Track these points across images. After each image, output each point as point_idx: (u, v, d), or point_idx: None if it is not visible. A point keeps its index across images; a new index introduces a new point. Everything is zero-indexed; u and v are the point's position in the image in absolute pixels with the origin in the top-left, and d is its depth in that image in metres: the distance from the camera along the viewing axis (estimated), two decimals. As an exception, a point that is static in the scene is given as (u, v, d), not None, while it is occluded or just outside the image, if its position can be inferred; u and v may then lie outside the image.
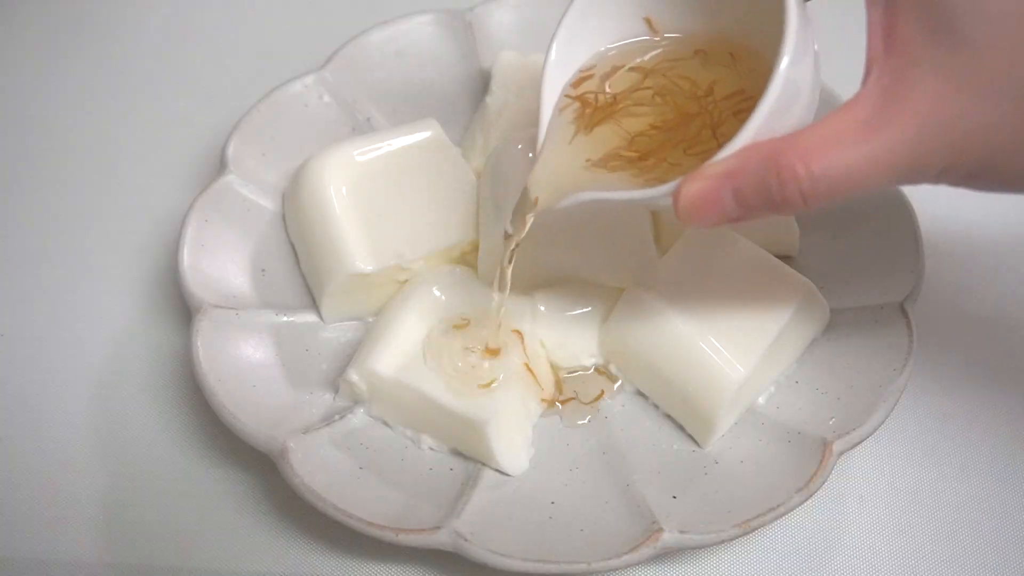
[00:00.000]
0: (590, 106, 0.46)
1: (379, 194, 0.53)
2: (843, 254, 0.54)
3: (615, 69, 0.47)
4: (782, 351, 0.50)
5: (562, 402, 0.51)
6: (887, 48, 0.36)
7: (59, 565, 0.48)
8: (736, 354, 0.47)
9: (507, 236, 0.45)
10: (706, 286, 0.50)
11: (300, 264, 0.55)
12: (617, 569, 0.42)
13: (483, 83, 0.62)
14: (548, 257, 0.52)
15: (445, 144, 0.56)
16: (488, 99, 0.59)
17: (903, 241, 0.52)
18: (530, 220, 0.44)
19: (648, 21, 0.47)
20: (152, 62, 0.70)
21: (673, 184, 0.38)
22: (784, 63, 0.37)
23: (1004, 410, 0.52)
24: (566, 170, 0.44)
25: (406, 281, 0.53)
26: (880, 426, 0.46)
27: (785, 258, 0.53)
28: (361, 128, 0.60)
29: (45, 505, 0.50)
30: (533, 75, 0.59)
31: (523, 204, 0.44)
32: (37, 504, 0.50)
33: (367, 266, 0.51)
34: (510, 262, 0.46)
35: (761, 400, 0.50)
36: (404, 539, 0.43)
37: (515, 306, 0.50)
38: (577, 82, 0.47)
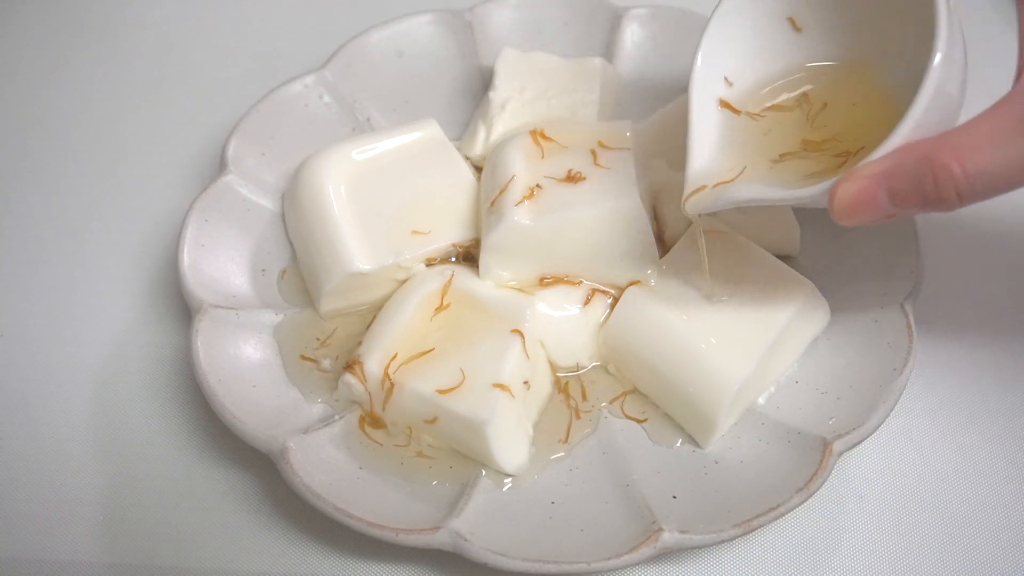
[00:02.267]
0: (739, 113, 0.48)
1: (378, 193, 0.53)
2: (843, 254, 0.54)
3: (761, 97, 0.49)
4: (782, 351, 0.50)
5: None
6: None
7: (59, 565, 0.48)
8: (736, 354, 0.47)
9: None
10: (706, 287, 0.50)
11: (299, 263, 0.55)
12: (617, 569, 0.42)
13: (483, 83, 0.62)
14: (548, 257, 0.52)
15: (444, 143, 0.56)
16: (491, 93, 0.59)
17: (903, 241, 0.52)
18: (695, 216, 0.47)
19: (791, 21, 0.48)
20: (152, 62, 0.70)
21: (828, 183, 0.39)
22: (937, 60, 0.37)
23: (1004, 409, 0.52)
24: (717, 172, 0.46)
25: (405, 280, 0.53)
26: (880, 426, 0.46)
27: (785, 258, 0.53)
28: (361, 128, 0.60)
29: (45, 505, 0.50)
30: (535, 71, 0.60)
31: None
32: (37, 504, 0.50)
33: (365, 265, 0.51)
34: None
35: (761, 400, 0.50)
36: (404, 539, 0.43)
37: (515, 306, 0.50)
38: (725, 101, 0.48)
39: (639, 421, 0.50)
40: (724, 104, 0.48)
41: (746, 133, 0.48)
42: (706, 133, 0.47)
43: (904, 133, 0.38)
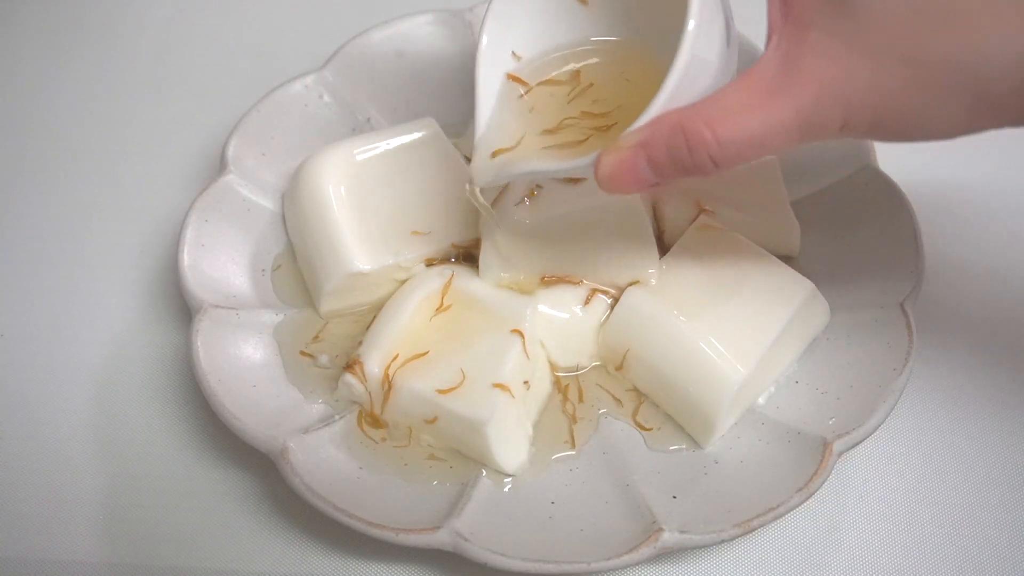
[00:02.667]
0: (526, 88, 0.48)
1: (378, 193, 0.53)
2: (843, 254, 0.54)
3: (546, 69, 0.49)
4: (782, 351, 0.50)
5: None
6: (785, 15, 0.38)
7: (59, 565, 0.48)
8: (736, 354, 0.47)
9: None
10: (706, 286, 0.50)
11: (299, 263, 0.55)
12: (617, 569, 0.42)
13: (483, 83, 0.62)
14: (548, 256, 0.52)
15: (444, 143, 0.56)
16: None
17: (903, 241, 0.52)
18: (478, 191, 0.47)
19: None
20: (152, 62, 0.70)
21: (594, 155, 0.40)
22: (690, 27, 0.38)
23: (1004, 409, 0.52)
24: (498, 144, 0.46)
25: (405, 280, 0.53)
26: (880, 426, 0.46)
27: (785, 258, 0.53)
28: (361, 128, 0.60)
29: (45, 505, 0.50)
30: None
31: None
32: (37, 504, 0.50)
33: (365, 265, 0.51)
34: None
35: (761, 400, 0.50)
36: (404, 539, 0.43)
37: (515, 306, 0.50)
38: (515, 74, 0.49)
39: (644, 429, 0.50)
40: (512, 77, 0.48)
41: (525, 106, 0.48)
42: (490, 106, 0.47)
43: (661, 102, 0.38)
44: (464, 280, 0.52)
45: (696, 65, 0.38)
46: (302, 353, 0.51)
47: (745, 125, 0.36)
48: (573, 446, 0.49)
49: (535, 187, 0.51)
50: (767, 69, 0.37)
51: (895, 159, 0.56)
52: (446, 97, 0.63)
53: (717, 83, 0.40)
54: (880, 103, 0.35)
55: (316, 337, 0.52)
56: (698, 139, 0.37)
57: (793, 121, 0.36)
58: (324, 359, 0.51)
